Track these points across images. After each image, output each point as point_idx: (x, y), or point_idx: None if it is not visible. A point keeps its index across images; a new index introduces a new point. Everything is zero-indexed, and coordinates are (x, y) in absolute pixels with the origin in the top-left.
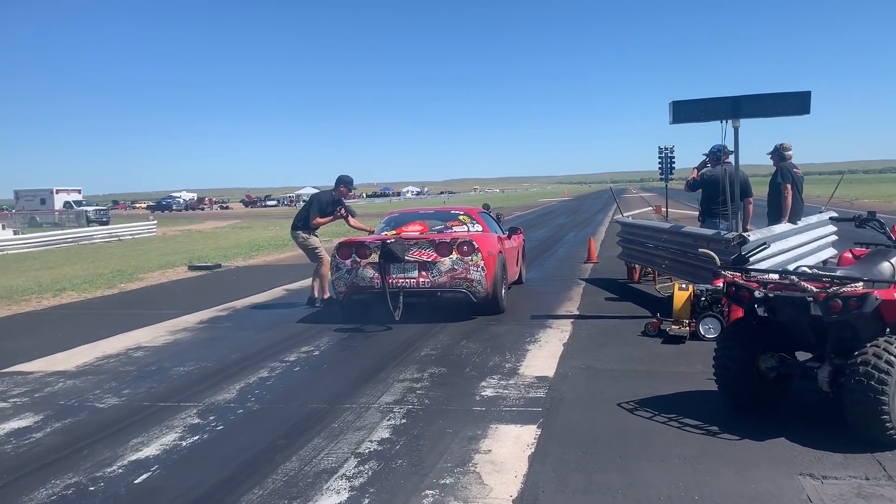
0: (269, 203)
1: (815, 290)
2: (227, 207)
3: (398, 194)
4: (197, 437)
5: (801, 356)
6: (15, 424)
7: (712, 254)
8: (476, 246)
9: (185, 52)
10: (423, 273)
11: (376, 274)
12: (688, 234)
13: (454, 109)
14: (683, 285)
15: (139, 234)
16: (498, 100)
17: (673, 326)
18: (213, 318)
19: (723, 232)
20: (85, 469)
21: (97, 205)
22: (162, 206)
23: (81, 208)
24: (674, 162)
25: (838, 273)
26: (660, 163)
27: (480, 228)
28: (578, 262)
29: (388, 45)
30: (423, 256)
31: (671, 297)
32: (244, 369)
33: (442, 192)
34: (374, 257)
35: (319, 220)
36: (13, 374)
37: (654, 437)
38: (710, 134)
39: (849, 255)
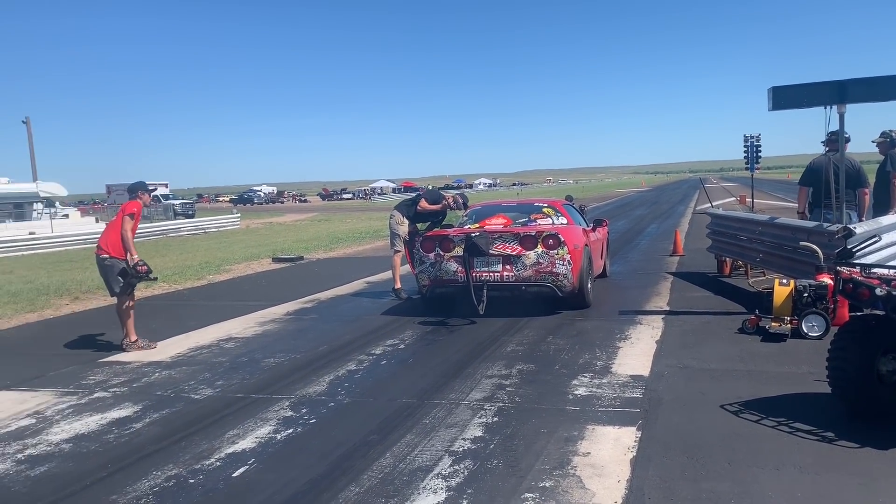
0: (344, 196)
1: None
2: (304, 201)
3: (470, 186)
4: (291, 431)
5: None
6: (116, 414)
7: (815, 247)
8: (562, 239)
9: (265, 52)
10: (508, 267)
11: (460, 267)
12: (786, 226)
13: (528, 100)
14: (784, 280)
15: (224, 226)
16: (573, 89)
17: (773, 324)
18: (299, 310)
19: (825, 224)
20: (184, 461)
21: (183, 198)
22: (244, 199)
23: (169, 202)
24: (760, 151)
25: None
26: (745, 151)
27: (565, 221)
28: (664, 255)
29: (461, 35)
30: (507, 250)
31: (770, 293)
32: (332, 361)
33: (514, 184)
34: (458, 251)
35: (427, 205)
36: (112, 364)
37: (764, 443)
38: (804, 121)
39: None
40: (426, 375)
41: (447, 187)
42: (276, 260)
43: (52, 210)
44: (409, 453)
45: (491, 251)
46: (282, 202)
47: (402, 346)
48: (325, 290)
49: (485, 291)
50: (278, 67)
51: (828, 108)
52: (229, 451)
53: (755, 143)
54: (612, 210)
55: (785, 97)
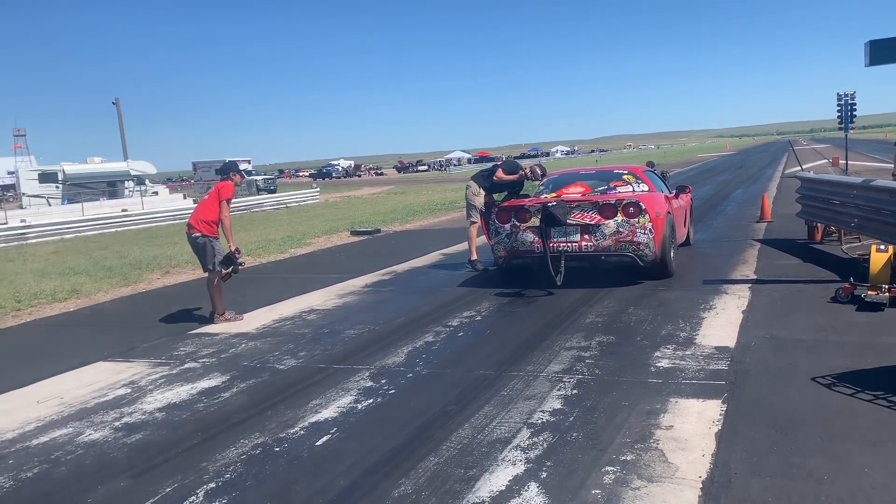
0: (420, 168)
1: None
2: (381, 174)
3: (547, 154)
4: (371, 401)
5: None
6: (205, 384)
7: None
8: (643, 207)
9: (335, 23)
10: (586, 236)
11: (537, 238)
12: (884, 188)
13: (603, 64)
14: (882, 247)
15: (304, 201)
16: (649, 51)
17: (870, 292)
18: (377, 282)
19: None
20: (270, 430)
21: (265, 174)
22: (322, 174)
23: (252, 177)
24: (855, 110)
25: None
26: (839, 111)
27: (646, 188)
28: (750, 222)
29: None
30: (585, 219)
31: (867, 260)
32: (410, 332)
33: (593, 151)
34: (535, 221)
35: (504, 175)
36: (201, 336)
37: (860, 418)
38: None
39: None
40: (503, 347)
41: (523, 156)
42: (355, 233)
43: (143, 188)
44: (487, 424)
45: (569, 220)
46: (359, 175)
47: (478, 318)
48: (401, 262)
49: (562, 262)
50: (350, 38)
51: None
52: (312, 420)
53: (850, 102)
54: (694, 176)
55: (885, 51)
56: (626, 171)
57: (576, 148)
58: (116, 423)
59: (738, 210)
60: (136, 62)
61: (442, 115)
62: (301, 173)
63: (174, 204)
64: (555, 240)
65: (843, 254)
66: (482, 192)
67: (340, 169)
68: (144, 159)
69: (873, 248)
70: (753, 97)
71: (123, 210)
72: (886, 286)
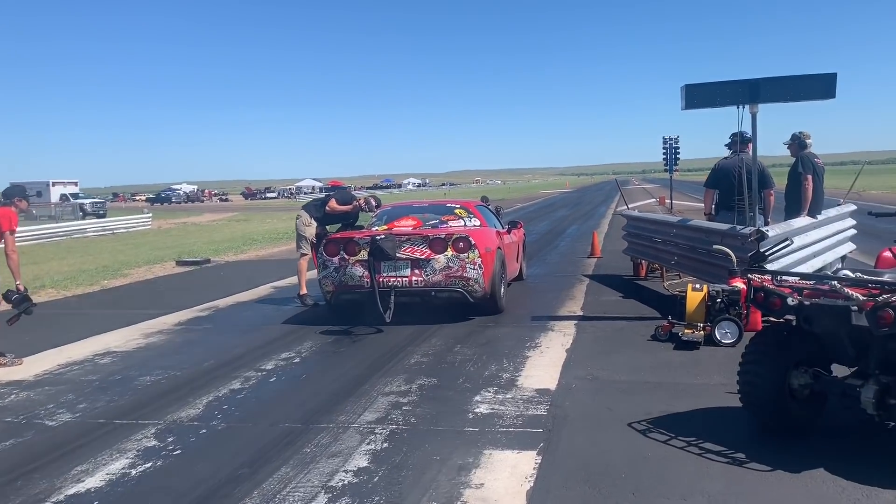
0: (268, 195)
1: (861, 298)
2: (226, 199)
3: (399, 186)
4: (150, 465)
5: (838, 370)
6: None
7: (727, 251)
8: (473, 242)
9: (184, 46)
10: (417, 271)
11: (366, 272)
12: (699, 228)
13: (456, 101)
14: (697, 285)
15: (134, 227)
16: (500, 91)
17: (686, 331)
18: (193, 319)
19: (739, 227)
20: None
21: (94, 197)
22: (161, 198)
23: (78, 201)
24: (678, 153)
25: (887, 277)
26: (664, 153)
27: (478, 223)
28: (581, 257)
29: (389, 33)
30: (415, 253)
31: (683, 299)
32: (215, 379)
33: (443, 184)
34: (364, 254)
35: (337, 205)
36: None
37: (672, 467)
38: (720, 123)
39: (889, 254)
40: (317, 394)
41: (376, 187)
42: (181, 263)
43: None
44: (280, 490)
45: (399, 254)
46: (202, 201)
47: (296, 360)
48: (226, 296)
49: (392, 298)
50: (194, 55)
51: (740, 107)
52: (71, 492)
53: (674, 146)
54: (535, 211)
55: (698, 95)
56: (458, 206)
57: (427, 180)
58: None
59: (571, 245)
60: None
61: (293, 142)
62: (138, 197)
63: None
64: (384, 274)
65: (665, 290)
66: (314, 223)
67: (182, 194)
68: None
69: (689, 286)
70: (592, 139)
71: None
72: (701, 324)
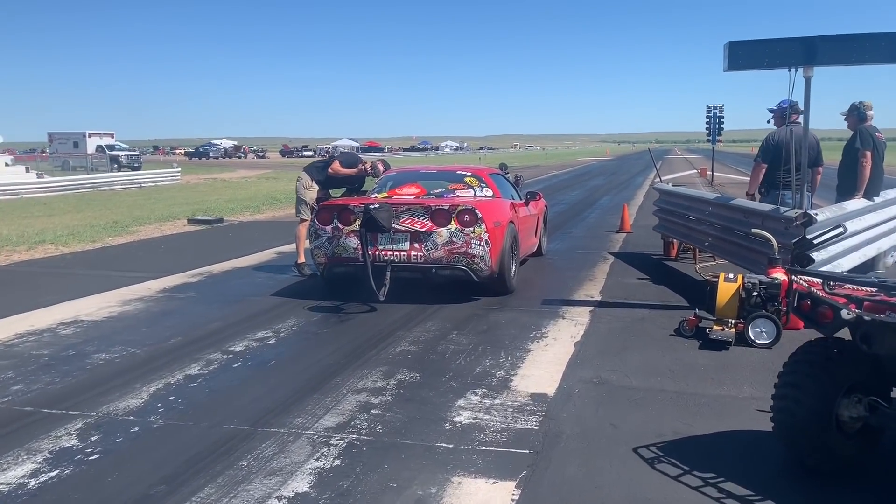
0: (305, 153)
1: None
2: (263, 156)
3: (436, 149)
4: (56, 473)
5: None
6: None
7: (768, 235)
8: (479, 215)
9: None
10: (416, 245)
11: (360, 244)
12: (738, 207)
13: (498, 64)
14: (731, 275)
15: (162, 181)
16: (542, 55)
17: (715, 327)
18: (180, 286)
19: (783, 209)
20: None
21: (132, 149)
22: (200, 153)
23: (114, 153)
24: (723, 122)
25: None
26: (707, 123)
27: (490, 193)
28: (609, 232)
29: None
30: (416, 225)
31: (714, 290)
32: (174, 361)
33: (481, 148)
34: (359, 224)
35: (341, 168)
36: None
37: None
38: (769, 89)
39: None
40: (279, 387)
41: (413, 148)
42: (192, 221)
43: None
44: None
45: (397, 226)
46: (239, 157)
47: (271, 342)
48: (225, 259)
49: (388, 274)
50: (238, 16)
51: (792, 70)
52: None
53: (718, 115)
54: (568, 179)
55: (744, 55)
56: (469, 173)
57: (465, 144)
58: None
59: (600, 218)
60: None
61: (333, 101)
62: (177, 151)
63: (10, 178)
64: (381, 247)
65: (697, 274)
66: (315, 186)
67: (221, 149)
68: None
69: (721, 276)
70: (637, 105)
71: None
72: (733, 321)
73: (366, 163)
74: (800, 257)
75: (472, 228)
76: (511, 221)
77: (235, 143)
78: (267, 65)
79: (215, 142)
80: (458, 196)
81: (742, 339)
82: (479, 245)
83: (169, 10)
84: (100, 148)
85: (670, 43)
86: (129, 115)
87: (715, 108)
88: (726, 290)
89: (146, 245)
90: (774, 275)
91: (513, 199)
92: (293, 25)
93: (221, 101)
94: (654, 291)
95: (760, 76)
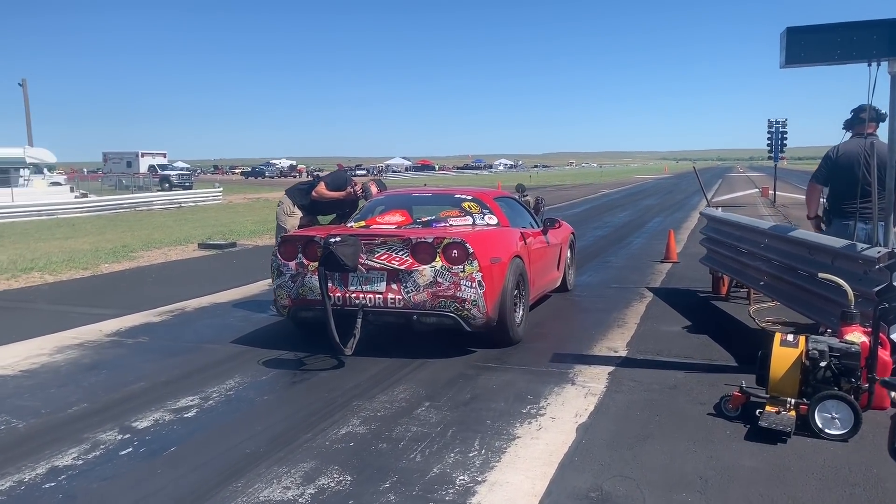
0: (358, 173)
1: None
2: (317, 176)
3: (490, 167)
4: None
5: None
6: None
7: (840, 282)
8: (471, 250)
9: (294, 20)
10: (394, 286)
11: (320, 285)
12: (800, 241)
13: (556, 81)
14: (790, 336)
15: (203, 201)
16: (603, 71)
17: (768, 408)
18: (137, 328)
19: (861, 246)
20: None
21: (181, 168)
22: (256, 172)
23: (165, 172)
24: (785, 138)
25: None
26: (769, 139)
27: (495, 221)
28: (654, 261)
29: (491, 7)
30: (393, 262)
31: (766, 356)
32: (53, 443)
33: (535, 166)
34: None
35: (326, 191)
36: None
37: None
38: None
39: None
40: (155, 494)
41: (466, 167)
42: (203, 246)
43: (40, 176)
44: None
45: (371, 262)
46: (294, 176)
47: (189, 415)
48: (210, 293)
49: (358, 322)
50: (290, 35)
51: (873, 65)
52: None
53: (781, 130)
54: (620, 198)
55: (806, 45)
56: (470, 197)
57: (520, 162)
58: None
59: (645, 244)
60: (47, 45)
61: (390, 120)
62: (235, 171)
63: (51, 198)
64: (351, 289)
65: (751, 319)
66: (297, 213)
67: (277, 169)
68: (52, 148)
69: (777, 337)
70: (699, 122)
71: None
72: (793, 401)
73: (356, 184)
74: (886, 312)
75: (461, 266)
76: (517, 256)
77: (293, 162)
78: (328, 83)
79: (273, 161)
80: (449, 226)
81: (806, 425)
82: (471, 287)
83: (235, 40)
84: (151, 167)
85: (736, 59)
86: (194, 135)
87: (777, 122)
88: (783, 357)
89: (138, 273)
90: (849, 336)
91: (528, 226)
92: (354, 49)
93: (283, 122)
94: (695, 344)
95: (832, 75)
